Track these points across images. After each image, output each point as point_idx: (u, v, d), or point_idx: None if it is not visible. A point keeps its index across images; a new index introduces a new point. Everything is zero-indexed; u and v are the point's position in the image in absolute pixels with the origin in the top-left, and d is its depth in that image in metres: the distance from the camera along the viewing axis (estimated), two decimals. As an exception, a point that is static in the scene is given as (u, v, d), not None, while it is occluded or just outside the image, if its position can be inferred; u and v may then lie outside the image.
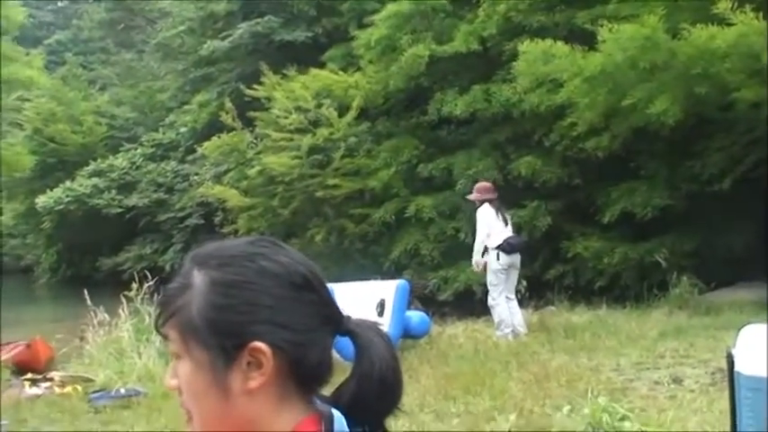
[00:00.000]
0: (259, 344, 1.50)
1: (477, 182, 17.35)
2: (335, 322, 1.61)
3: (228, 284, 1.54)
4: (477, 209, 13.76)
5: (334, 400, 1.61)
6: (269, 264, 1.56)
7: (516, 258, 13.59)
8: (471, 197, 14.14)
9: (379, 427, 1.63)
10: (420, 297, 15.72)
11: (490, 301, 13.75)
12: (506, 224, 13.55)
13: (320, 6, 29.54)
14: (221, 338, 1.52)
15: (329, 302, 1.61)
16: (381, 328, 1.67)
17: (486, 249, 13.57)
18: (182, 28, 37.00)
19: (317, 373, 1.58)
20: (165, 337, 1.59)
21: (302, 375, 1.56)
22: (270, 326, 1.52)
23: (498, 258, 13.44)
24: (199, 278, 1.55)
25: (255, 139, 25.35)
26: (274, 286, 1.54)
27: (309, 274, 1.59)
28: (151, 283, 13.69)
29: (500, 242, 13.39)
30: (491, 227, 13.45)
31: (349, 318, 1.64)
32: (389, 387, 1.61)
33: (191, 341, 1.54)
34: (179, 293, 1.56)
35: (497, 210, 13.55)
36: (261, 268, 1.55)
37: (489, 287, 13.78)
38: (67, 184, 38.73)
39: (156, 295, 11.79)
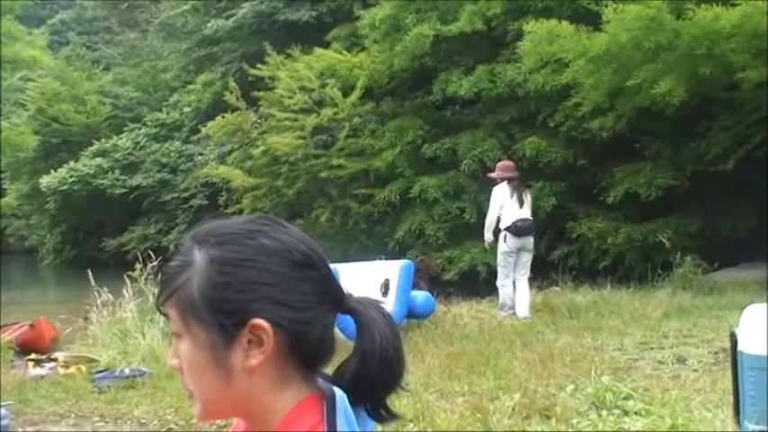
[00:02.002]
0: (260, 321, 1.51)
1: (483, 162, 17.42)
2: (336, 300, 1.62)
3: (228, 262, 1.54)
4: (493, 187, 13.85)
5: (337, 379, 1.62)
6: (269, 241, 1.56)
7: (526, 241, 13.59)
8: (492, 175, 14.15)
9: (380, 406, 1.64)
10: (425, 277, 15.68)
11: (498, 282, 13.84)
12: (521, 206, 13.54)
13: (324, -15, 29.48)
14: (221, 316, 1.52)
15: (330, 280, 1.62)
16: (383, 306, 1.67)
17: (498, 229, 13.64)
18: (185, 7, 36.90)
19: (317, 351, 1.58)
20: (166, 316, 1.60)
21: (303, 353, 1.56)
22: (270, 303, 1.52)
23: (506, 240, 13.49)
24: (199, 256, 1.56)
25: (260, 119, 25.30)
26: (274, 264, 1.54)
27: (310, 251, 1.59)
28: (155, 263, 13.70)
29: (508, 224, 13.43)
30: (503, 206, 13.49)
31: (350, 296, 1.64)
32: (391, 364, 1.61)
33: (190, 319, 1.55)
34: (179, 272, 1.57)
35: (514, 190, 13.55)
36: (261, 246, 1.55)
37: (498, 268, 13.87)
38: (71, 164, 38.80)
39: (159, 276, 11.77)
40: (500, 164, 14.36)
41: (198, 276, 1.54)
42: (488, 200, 14.04)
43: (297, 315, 1.54)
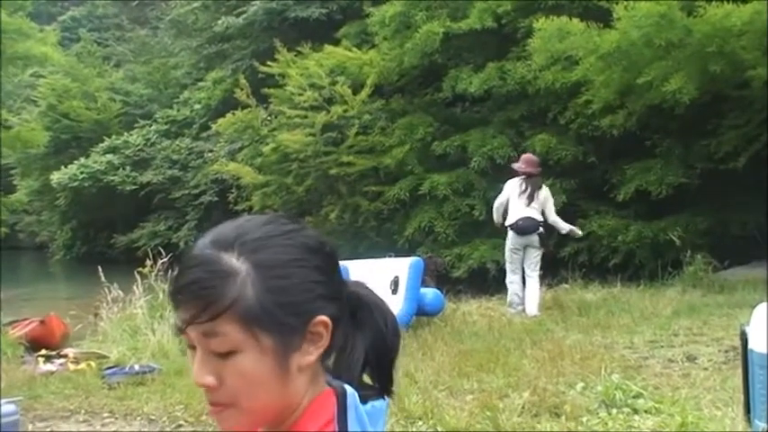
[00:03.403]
0: (323, 317, 1.54)
1: (493, 159, 17.43)
2: (343, 289, 1.65)
3: (279, 265, 1.53)
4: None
5: (345, 372, 1.63)
6: (305, 239, 1.58)
7: (530, 239, 13.59)
8: (514, 165, 14.18)
9: (390, 376, 1.69)
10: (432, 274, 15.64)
11: (506, 280, 13.90)
12: (530, 203, 13.52)
13: (334, -17, 29.49)
14: (292, 319, 1.52)
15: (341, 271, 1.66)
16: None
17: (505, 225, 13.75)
18: (196, 4, 36.88)
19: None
20: (207, 335, 1.51)
21: (330, 348, 1.59)
22: (326, 299, 1.56)
23: (509, 237, 13.57)
24: (239, 264, 1.51)
25: (270, 116, 25.31)
26: (317, 260, 1.57)
27: (332, 244, 1.63)
28: (165, 259, 13.73)
29: (512, 222, 13.48)
30: (510, 201, 13.54)
31: (346, 282, 1.68)
32: (398, 334, 1.69)
33: (257, 329, 1.50)
34: (221, 284, 1.50)
35: (527, 186, 13.54)
36: (303, 244, 1.57)
37: (506, 265, 13.95)
38: (82, 160, 38.90)
39: (169, 272, 11.82)
40: (524, 156, 14.44)
41: (254, 284, 1.51)
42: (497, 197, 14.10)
43: (342, 307, 1.59)
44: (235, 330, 1.50)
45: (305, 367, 1.54)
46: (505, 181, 14.05)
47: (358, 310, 1.66)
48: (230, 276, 1.50)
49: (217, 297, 1.49)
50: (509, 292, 13.89)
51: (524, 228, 13.48)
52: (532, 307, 13.47)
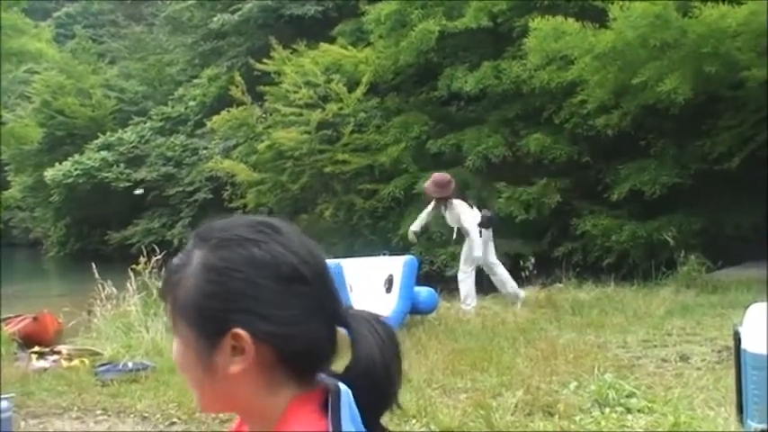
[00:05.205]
0: (239, 331, 1.51)
1: (487, 158, 17.45)
2: (330, 314, 1.59)
3: (218, 271, 1.54)
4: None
5: (344, 376, 1.60)
6: (260, 252, 1.55)
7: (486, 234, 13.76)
8: (425, 186, 14.14)
9: (373, 424, 1.62)
10: (426, 273, 15.64)
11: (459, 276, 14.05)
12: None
13: (330, -20, 29.49)
14: (206, 323, 1.54)
15: (324, 294, 1.59)
16: (382, 320, 1.63)
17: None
18: (191, 1, 36.90)
19: (305, 361, 1.57)
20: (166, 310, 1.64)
21: (291, 363, 1.55)
22: (252, 316, 1.52)
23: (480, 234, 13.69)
24: (195, 258, 1.57)
25: (265, 113, 25.31)
26: (260, 276, 1.53)
27: (302, 265, 1.56)
28: (159, 257, 13.67)
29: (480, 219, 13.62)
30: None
31: (347, 309, 1.61)
32: (378, 386, 1.59)
33: (178, 320, 1.57)
34: (178, 270, 1.59)
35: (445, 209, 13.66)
36: (251, 256, 1.54)
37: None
38: (76, 157, 38.89)
39: (163, 270, 11.79)
40: (433, 177, 14.04)
41: (190, 281, 1.55)
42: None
43: (277, 329, 1.52)
44: (169, 313, 1.61)
45: (233, 375, 1.53)
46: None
47: (353, 340, 1.61)
48: (184, 267, 1.58)
49: (169, 278, 1.61)
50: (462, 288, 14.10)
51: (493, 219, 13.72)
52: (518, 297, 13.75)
